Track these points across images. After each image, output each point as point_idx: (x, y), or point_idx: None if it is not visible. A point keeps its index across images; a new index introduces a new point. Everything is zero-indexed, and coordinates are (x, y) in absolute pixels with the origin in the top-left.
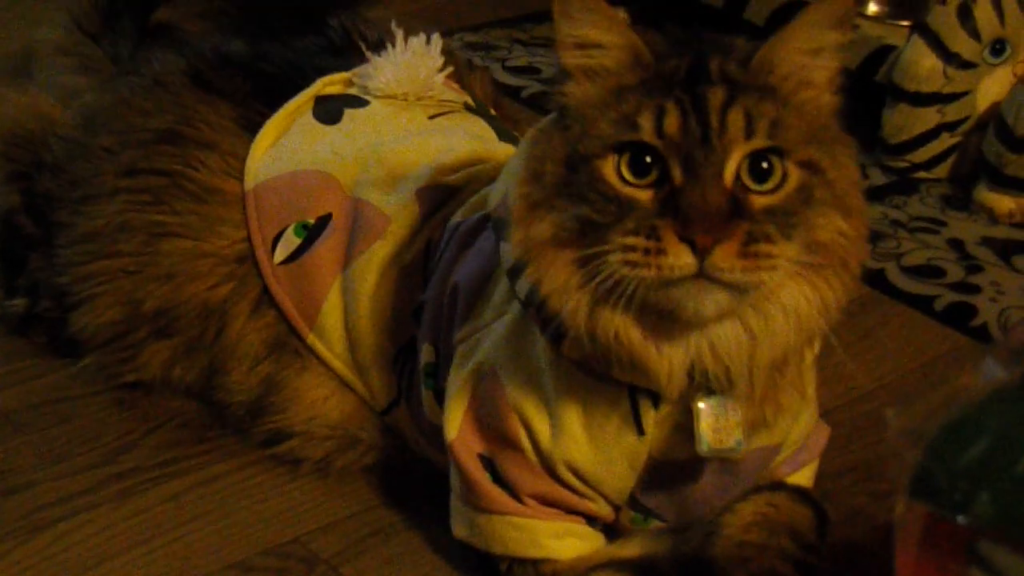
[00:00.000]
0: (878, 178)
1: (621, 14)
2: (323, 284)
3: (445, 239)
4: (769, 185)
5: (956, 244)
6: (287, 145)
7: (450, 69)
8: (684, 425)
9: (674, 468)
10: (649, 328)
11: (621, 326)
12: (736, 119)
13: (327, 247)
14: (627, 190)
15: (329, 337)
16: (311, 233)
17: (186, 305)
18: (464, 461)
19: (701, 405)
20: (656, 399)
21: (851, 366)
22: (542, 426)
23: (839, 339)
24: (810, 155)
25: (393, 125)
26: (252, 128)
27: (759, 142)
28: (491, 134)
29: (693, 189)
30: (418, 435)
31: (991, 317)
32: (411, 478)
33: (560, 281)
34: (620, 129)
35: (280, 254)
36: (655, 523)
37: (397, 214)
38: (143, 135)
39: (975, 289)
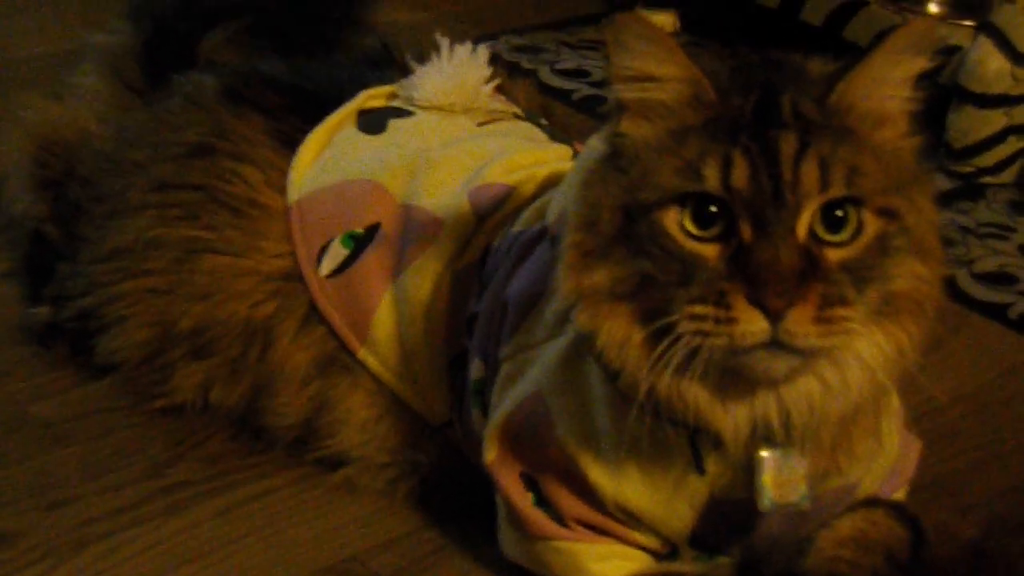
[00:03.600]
0: (943, 183)
1: (671, 18)
2: (374, 295)
3: (504, 248)
4: (844, 236)
5: None
6: (331, 157)
7: (498, 80)
8: (747, 463)
9: (738, 506)
10: (715, 387)
11: (687, 390)
12: (810, 170)
13: (377, 257)
14: (691, 245)
15: (382, 350)
16: (359, 243)
17: (225, 324)
18: (505, 484)
19: (764, 454)
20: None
21: (924, 378)
22: (591, 463)
23: None
24: (889, 203)
25: (441, 132)
26: (289, 142)
27: (835, 192)
28: (544, 136)
29: (764, 248)
30: (471, 451)
31: None
32: (472, 493)
33: (619, 336)
34: (683, 179)
35: (327, 266)
36: (722, 559)
37: (450, 217)
38: (175, 149)
39: None
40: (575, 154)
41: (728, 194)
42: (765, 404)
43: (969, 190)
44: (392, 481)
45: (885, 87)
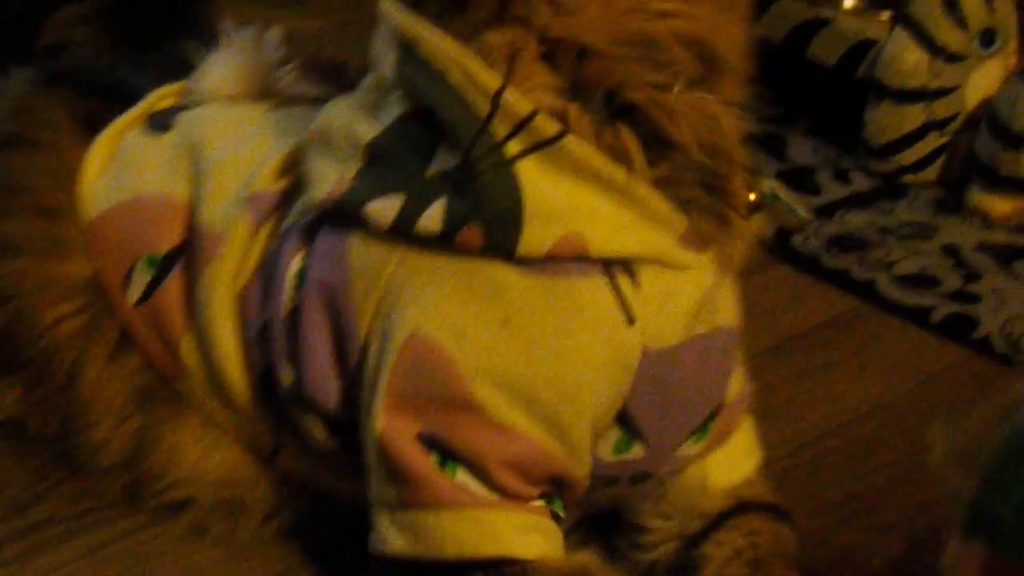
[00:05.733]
0: (862, 183)
1: None
2: (178, 323)
3: (275, 247)
4: None
5: (951, 251)
6: (120, 167)
7: (296, 62)
8: (675, 289)
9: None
10: None
11: None
12: None
13: (177, 281)
14: None
15: (195, 379)
16: (161, 267)
17: (28, 335)
18: (401, 451)
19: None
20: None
21: (841, 386)
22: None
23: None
24: None
25: (223, 126)
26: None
27: None
28: None
29: None
30: (312, 469)
31: (994, 328)
32: (335, 521)
33: None
34: None
35: (134, 294)
36: (635, 450)
37: (228, 231)
38: None
39: (974, 298)
40: None
41: None
42: None
43: (890, 189)
44: (230, 521)
45: None
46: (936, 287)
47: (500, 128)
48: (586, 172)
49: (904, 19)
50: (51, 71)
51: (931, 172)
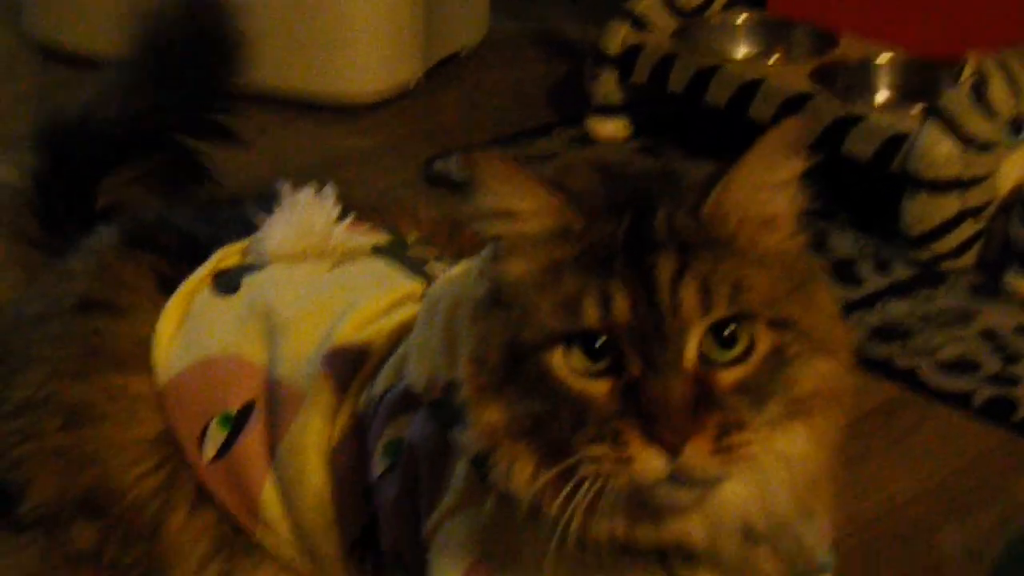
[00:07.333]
0: (903, 271)
1: (623, 123)
2: (257, 477)
3: (371, 413)
4: (736, 351)
5: (990, 335)
6: (191, 329)
7: (351, 217)
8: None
9: None
10: (641, 516)
11: (615, 527)
12: (690, 293)
13: (254, 438)
14: (580, 384)
15: (277, 530)
16: (236, 424)
17: (112, 494)
18: None
19: None
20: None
21: (888, 472)
22: None
23: (872, 445)
24: (780, 313)
25: (292, 284)
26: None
27: (719, 312)
28: (397, 273)
29: (653, 382)
30: None
31: None
32: None
33: (527, 475)
34: (563, 318)
35: (210, 450)
36: None
37: (310, 388)
38: (67, 301)
39: (1014, 381)
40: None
41: (610, 328)
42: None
43: (930, 276)
44: None
45: (762, 191)
46: (976, 371)
47: None
48: None
49: (935, 112)
50: (132, 232)
51: (968, 258)
